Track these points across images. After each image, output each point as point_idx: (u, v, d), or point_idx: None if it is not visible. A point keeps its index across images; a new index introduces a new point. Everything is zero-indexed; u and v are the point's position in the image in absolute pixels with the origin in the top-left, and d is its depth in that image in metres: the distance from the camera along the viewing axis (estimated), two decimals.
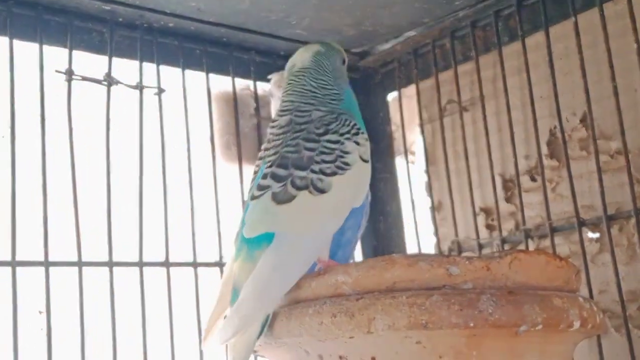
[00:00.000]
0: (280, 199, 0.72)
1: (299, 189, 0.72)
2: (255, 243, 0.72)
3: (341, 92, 0.84)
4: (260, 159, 0.81)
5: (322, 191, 0.72)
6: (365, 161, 0.77)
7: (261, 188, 0.75)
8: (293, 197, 0.72)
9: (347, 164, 0.74)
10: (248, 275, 0.70)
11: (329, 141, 0.76)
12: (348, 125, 0.78)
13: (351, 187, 0.75)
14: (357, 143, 0.77)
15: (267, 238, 0.72)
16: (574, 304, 0.68)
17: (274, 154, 0.77)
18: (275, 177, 0.74)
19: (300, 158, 0.74)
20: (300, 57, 0.86)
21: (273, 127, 0.82)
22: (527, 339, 0.66)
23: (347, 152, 0.75)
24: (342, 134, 0.77)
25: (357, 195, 0.76)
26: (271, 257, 0.70)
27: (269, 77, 1.14)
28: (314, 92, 0.83)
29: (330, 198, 0.73)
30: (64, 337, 0.95)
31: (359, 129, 0.79)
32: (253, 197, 0.75)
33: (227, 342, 0.70)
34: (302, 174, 0.73)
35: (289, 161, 0.75)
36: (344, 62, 0.88)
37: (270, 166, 0.76)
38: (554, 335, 0.68)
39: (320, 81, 0.84)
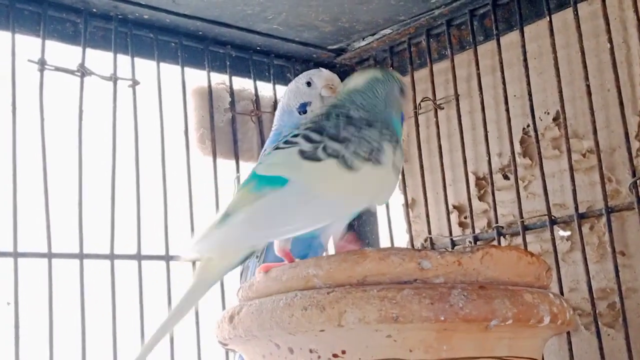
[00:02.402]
0: (308, 156, 0.71)
1: (329, 155, 0.71)
2: (266, 181, 0.71)
3: (389, 119, 0.80)
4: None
5: (349, 168, 0.71)
6: (397, 169, 0.75)
7: (288, 143, 0.74)
8: (320, 159, 0.71)
9: (379, 161, 0.72)
10: (248, 203, 0.69)
11: (369, 135, 0.74)
12: (389, 131, 0.76)
13: (372, 184, 0.73)
14: (394, 149, 0.74)
15: (280, 181, 0.70)
16: (544, 299, 0.68)
17: (311, 123, 0.76)
18: (307, 138, 0.73)
19: (337, 133, 0.73)
20: (355, 80, 0.83)
21: (309, 115, 0.79)
22: (497, 333, 0.66)
23: (381, 151, 0.73)
24: (382, 134, 0.75)
25: (376, 195, 0.74)
26: (283, 196, 0.69)
27: (318, 72, 0.96)
28: (364, 107, 0.80)
29: (353, 180, 0.71)
30: (33, 329, 0.94)
31: (397, 141, 0.76)
32: (277, 148, 0.74)
33: (202, 254, 0.69)
34: (336, 145, 0.72)
35: (324, 130, 0.74)
36: (402, 91, 0.84)
37: (313, 131, 0.74)
38: (524, 331, 0.68)
39: (371, 103, 0.80)
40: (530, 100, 1.06)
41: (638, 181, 0.95)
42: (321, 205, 0.70)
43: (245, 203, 0.69)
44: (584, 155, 1.04)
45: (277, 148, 0.75)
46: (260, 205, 0.69)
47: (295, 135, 0.74)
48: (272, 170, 0.71)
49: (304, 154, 0.71)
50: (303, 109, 0.91)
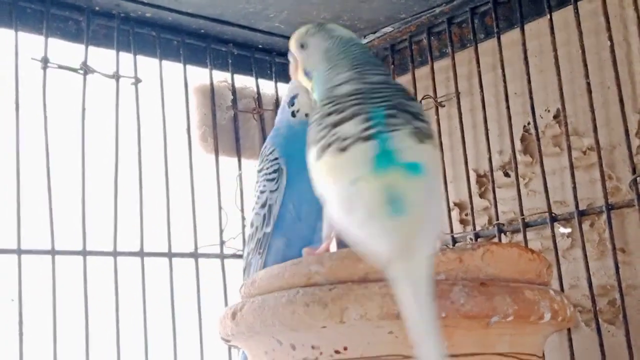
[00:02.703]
0: (420, 139, 0.69)
1: (428, 137, 0.70)
2: (409, 167, 0.67)
3: None
4: (359, 103, 0.73)
5: (435, 146, 0.71)
6: None
7: (394, 124, 0.70)
8: (424, 142, 0.69)
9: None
10: (414, 190, 0.65)
11: (412, 102, 0.74)
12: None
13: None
14: None
15: (414, 167, 0.67)
16: (545, 296, 0.68)
17: (388, 100, 0.73)
18: (404, 118, 0.70)
19: (415, 111, 0.72)
20: (346, 32, 0.82)
21: (365, 82, 0.78)
22: (498, 330, 0.66)
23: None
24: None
25: None
26: (434, 184, 0.68)
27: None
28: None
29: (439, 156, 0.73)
30: (36, 325, 0.95)
31: None
32: (384, 131, 0.70)
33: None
34: (423, 125, 0.71)
35: (408, 109, 0.72)
36: None
37: (392, 108, 0.72)
38: (525, 327, 0.68)
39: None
40: (531, 98, 1.06)
41: (638, 178, 0.95)
42: (440, 186, 0.70)
43: (410, 189, 0.65)
44: (584, 153, 1.04)
45: (382, 131, 0.70)
46: (433, 195, 0.66)
47: (393, 116, 0.71)
48: (412, 158, 0.67)
49: (417, 137, 0.69)
50: (292, 102, 0.93)
